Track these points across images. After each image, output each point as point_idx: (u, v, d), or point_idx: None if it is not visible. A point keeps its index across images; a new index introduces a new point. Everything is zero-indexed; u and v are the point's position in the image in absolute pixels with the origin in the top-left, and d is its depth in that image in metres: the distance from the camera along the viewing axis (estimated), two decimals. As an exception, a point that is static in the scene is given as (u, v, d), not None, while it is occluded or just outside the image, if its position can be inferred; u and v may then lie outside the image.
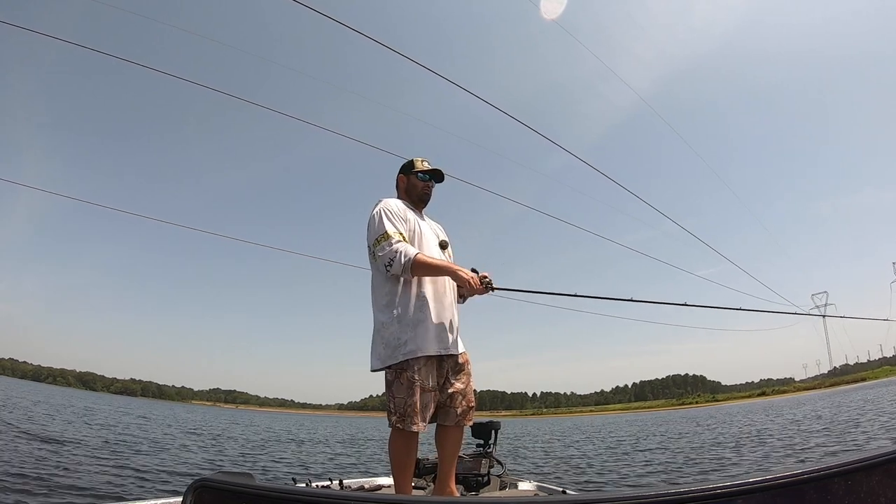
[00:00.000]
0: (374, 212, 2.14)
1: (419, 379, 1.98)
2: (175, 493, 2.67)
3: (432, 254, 2.17)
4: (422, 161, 2.36)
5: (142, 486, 5.30)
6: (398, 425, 1.96)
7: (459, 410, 2.11)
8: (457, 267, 2.10)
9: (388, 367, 2.01)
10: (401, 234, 2.06)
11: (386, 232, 2.04)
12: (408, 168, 2.36)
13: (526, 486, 2.89)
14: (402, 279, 2.07)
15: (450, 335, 2.08)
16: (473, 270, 2.20)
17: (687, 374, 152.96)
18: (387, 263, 2.01)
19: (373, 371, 2.08)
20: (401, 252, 1.99)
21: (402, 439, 1.98)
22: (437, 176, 2.36)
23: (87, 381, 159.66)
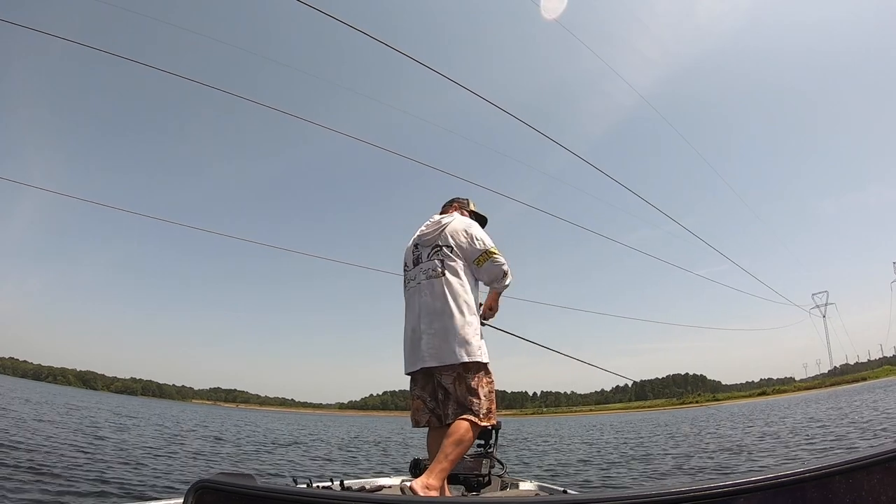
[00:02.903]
0: (471, 224, 2.41)
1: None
2: (176, 494, 2.68)
3: None
4: (474, 204, 2.74)
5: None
6: (483, 422, 2.13)
7: None
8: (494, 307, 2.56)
9: (482, 363, 2.18)
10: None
11: (493, 247, 2.33)
12: (465, 205, 2.71)
13: (527, 486, 2.89)
14: (478, 291, 2.37)
15: None
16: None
17: (687, 374, 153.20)
18: (503, 275, 2.33)
19: (462, 363, 2.16)
20: (508, 272, 2.34)
21: (473, 434, 2.12)
22: (483, 221, 2.69)
23: (88, 380, 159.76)
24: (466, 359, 2.12)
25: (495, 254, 2.30)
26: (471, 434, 2.09)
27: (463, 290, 2.24)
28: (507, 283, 2.36)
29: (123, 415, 21.75)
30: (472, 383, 2.13)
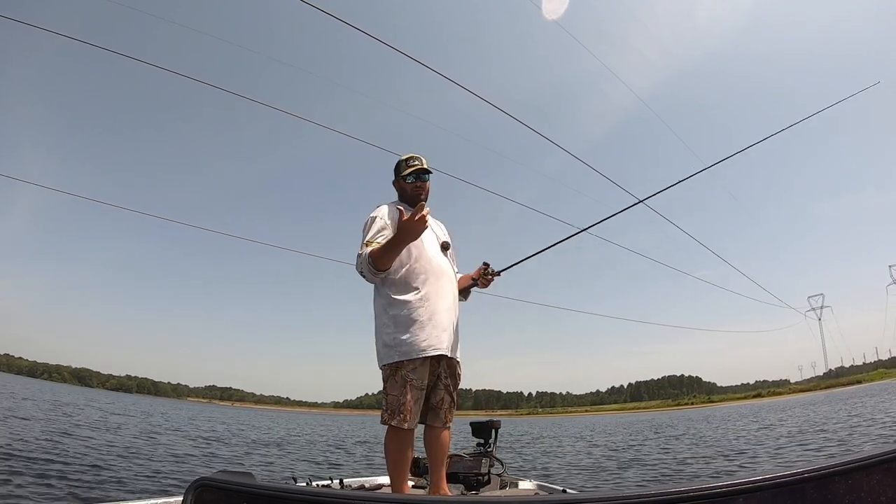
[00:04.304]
0: (372, 213, 2.22)
1: (412, 378, 2.02)
2: (175, 493, 2.67)
3: (431, 255, 2.20)
4: (406, 161, 2.33)
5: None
6: (391, 423, 2.00)
7: (447, 411, 2.18)
8: (404, 225, 1.93)
9: (385, 366, 2.07)
10: (369, 242, 2.09)
11: (372, 237, 2.10)
12: (397, 172, 2.38)
13: (526, 485, 2.89)
14: (402, 281, 2.12)
15: (445, 337, 2.12)
16: (485, 264, 2.49)
17: (683, 375, 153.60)
18: (361, 275, 2.09)
19: (380, 368, 2.14)
20: (360, 262, 2.05)
21: (395, 437, 2.03)
22: (423, 173, 2.33)
23: (83, 377, 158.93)
24: (380, 364, 2.11)
25: (361, 249, 2.07)
26: (388, 440, 2.04)
27: (377, 294, 2.17)
28: (370, 278, 2.08)
29: (110, 412, 21.09)
30: (385, 385, 2.08)
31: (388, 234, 2.09)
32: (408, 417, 1.99)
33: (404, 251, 2.07)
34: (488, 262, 2.50)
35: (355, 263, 2.09)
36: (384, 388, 2.07)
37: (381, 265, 2.03)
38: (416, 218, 1.89)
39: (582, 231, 3.08)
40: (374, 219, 2.17)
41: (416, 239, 2.02)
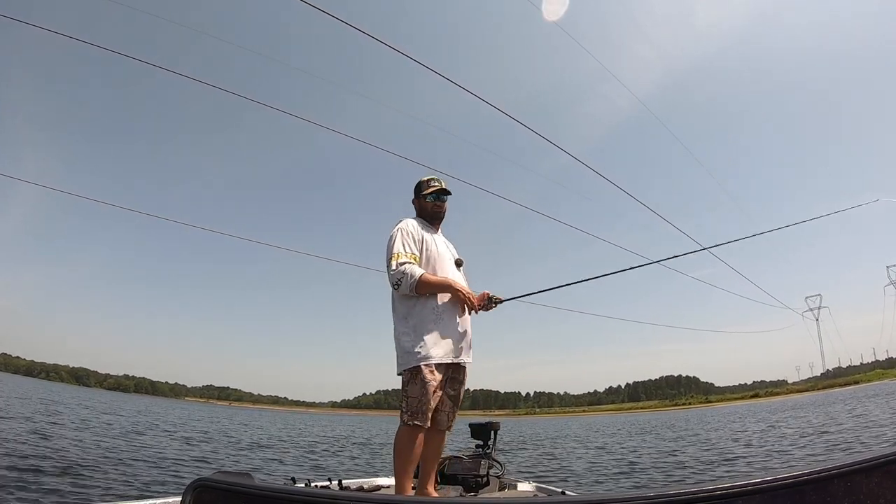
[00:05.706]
0: (392, 232, 2.38)
1: (429, 380, 2.19)
2: (174, 494, 2.66)
3: (447, 273, 2.39)
4: (428, 181, 2.56)
5: None
6: (409, 422, 2.15)
7: (450, 416, 2.36)
8: (458, 285, 2.33)
9: (405, 370, 2.24)
10: (412, 255, 2.29)
11: (396, 253, 2.27)
12: (417, 191, 2.58)
13: (525, 486, 2.90)
14: (424, 294, 2.30)
15: (460, 345, 2.32)
16: (487, 295, 2.52)
17: (680, 376, 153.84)
18: (395, 283, 2.24)
19: (398, 375, 2.30)
20: (407, 274, 2.22)
21: (410, 435, 2.17)
22: (443, 193, 2.56)
23: (81, 377, 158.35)
24: (400, 369, 2.27)
25: (391, 260, 2.27)
26: (400, 437, 2.18)
27: (394, 302, 2.35)
28: (402, 292, 2.26)
29: (99, 411, 20.63)
30: (406, 387, 2.23)
31: (420, 249, 2.34)
32: (426, 417, 2.16)
33: (428, 266, 2.32)
34: (491, 294, 2.53)
35: (393, 270, 2.23)
36: (404, 390, 2.22)
37: (422, 291, 2.25)
38: (468, 297, 2.33)
39: (650, 263, 3.59)
40: (404, 231, 2.35)
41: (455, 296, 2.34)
